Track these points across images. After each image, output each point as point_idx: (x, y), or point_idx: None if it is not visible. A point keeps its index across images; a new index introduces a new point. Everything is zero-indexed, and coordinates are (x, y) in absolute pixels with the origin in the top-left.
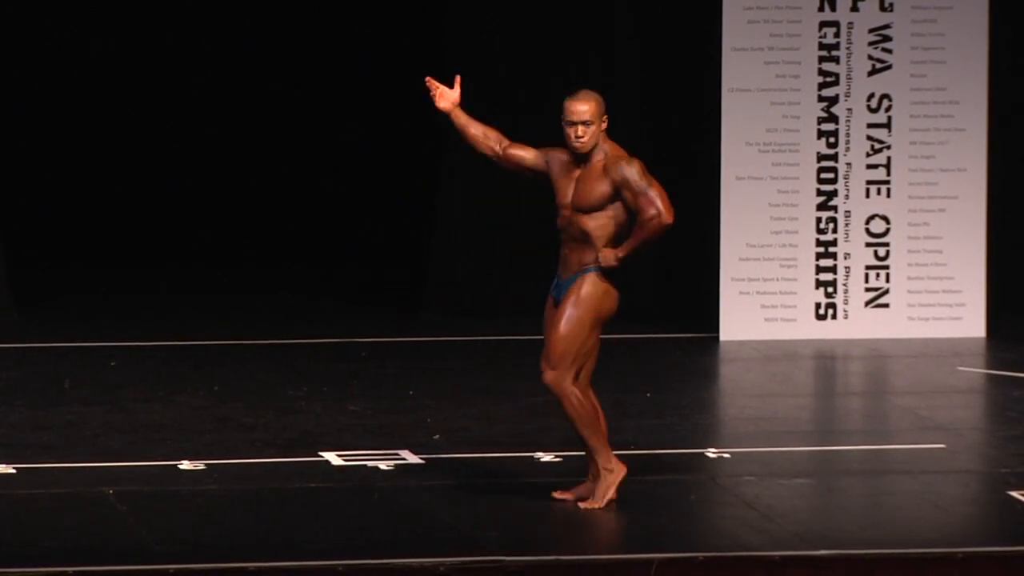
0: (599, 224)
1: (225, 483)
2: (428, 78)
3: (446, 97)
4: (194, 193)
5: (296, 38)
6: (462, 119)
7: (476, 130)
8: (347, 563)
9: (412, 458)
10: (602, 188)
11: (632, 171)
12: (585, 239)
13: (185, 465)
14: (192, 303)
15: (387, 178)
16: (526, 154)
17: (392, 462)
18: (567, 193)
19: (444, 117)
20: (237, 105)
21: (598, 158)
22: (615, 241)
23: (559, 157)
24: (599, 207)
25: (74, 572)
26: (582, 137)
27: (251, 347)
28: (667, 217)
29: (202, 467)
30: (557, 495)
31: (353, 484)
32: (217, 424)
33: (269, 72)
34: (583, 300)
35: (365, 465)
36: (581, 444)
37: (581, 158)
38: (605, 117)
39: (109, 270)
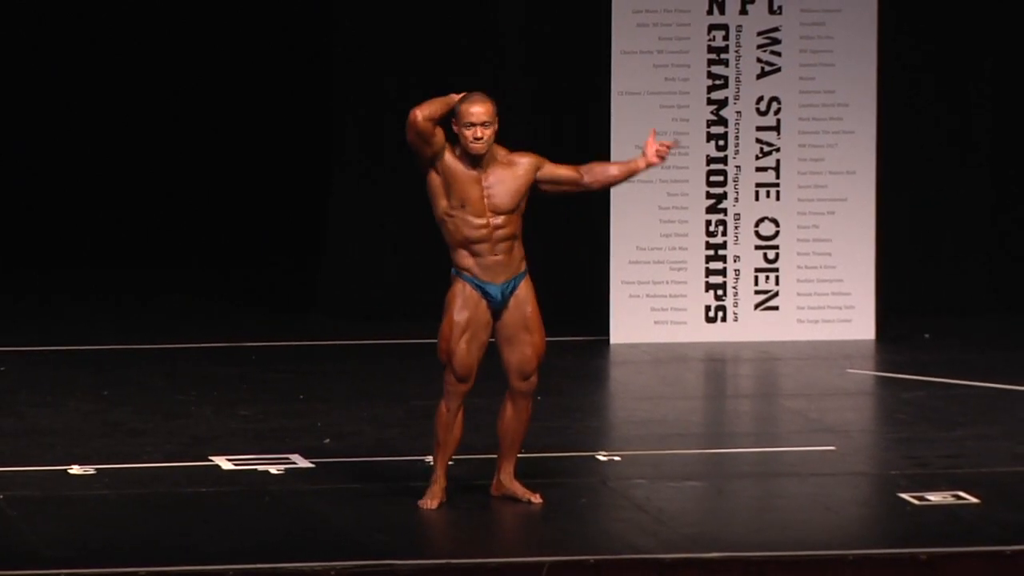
0: (518, 221)
1: (115, 488)
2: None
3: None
4: (81, 195)
5: (186, 41)
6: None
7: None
8: (238, 567)
9: (303, 462)
10: (521, 185)
11: (539, 158)
12: (515, 238)
13: (75, 470)
14: (81, 306)
15: (278, 181)
16: (439, 136)
17: (283, 466)
18: (477, 201)
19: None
20: (126, 106)
21: (500, 160)
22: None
23: (451, 161)
24: (520, 206)
25: None
26: (481, 138)
27: (140, 351)
28: None
29: (92, 472)
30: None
31: (244, 488)
32: (107, 429)
33: (156, 72)
34: (536, 303)
35: (256, 469)
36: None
37: (477, 162)
38: (497, 119)
39: None
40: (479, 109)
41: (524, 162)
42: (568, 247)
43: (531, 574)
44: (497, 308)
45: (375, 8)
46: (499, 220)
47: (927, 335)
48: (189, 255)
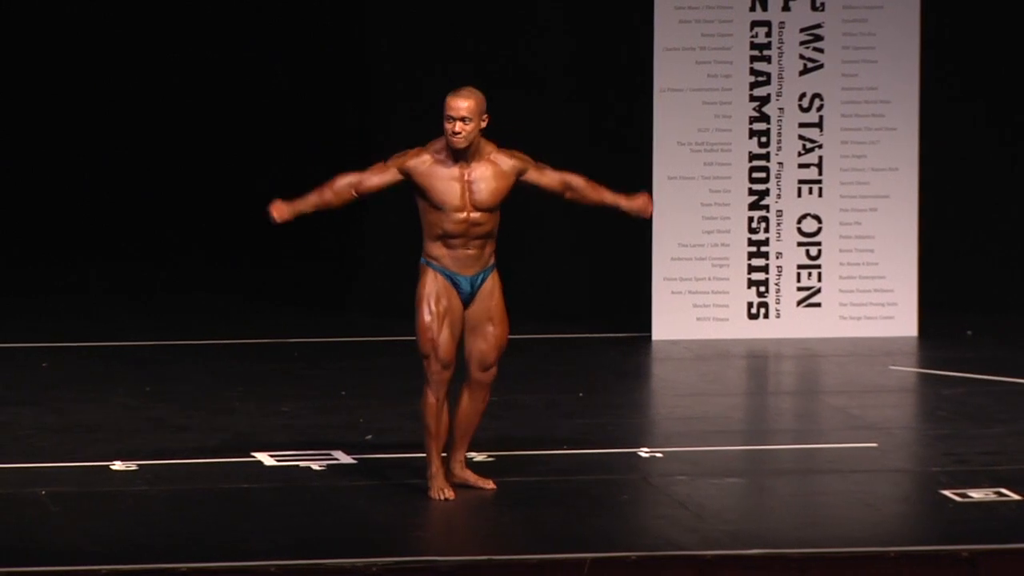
0: (496, 219)
1: (157, 484)
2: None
3: (277, 211)
4: (125, 193)
5: (219, 40)
6: (297, 207)
7: (318, 198)
8: (279, 563)
9: (344, 458)
10: (504, 185)
11: (529, 158)
12: (489, 236)
13: (117, 466)
14: (124, 304)
15: (315, 179)
16: (379, 179)
17: (324, 462)
18: (457, 196)
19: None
20: (165, 104)
21: (486, 157)
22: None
23: (424, 160)
24: (500, 204)
25: (5, 573)
26: (459, 133)
27: (183, 347)
28: None
29: (134, 468)
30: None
31: (285, 484)
32: (149, 425)
33: (194, 72)
34: (502, 297)
35: (297, 465)
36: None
37: (460, 156)
38: (486, 116)
39: (39, 269)
40: (460, 103)
41: (509, 164)
42: (610, 244)
43: (572, 570)
44: (465, 299)
45: (408, 3)
46: (478, 216)
47: (969, 332)
48: (233, 253)
